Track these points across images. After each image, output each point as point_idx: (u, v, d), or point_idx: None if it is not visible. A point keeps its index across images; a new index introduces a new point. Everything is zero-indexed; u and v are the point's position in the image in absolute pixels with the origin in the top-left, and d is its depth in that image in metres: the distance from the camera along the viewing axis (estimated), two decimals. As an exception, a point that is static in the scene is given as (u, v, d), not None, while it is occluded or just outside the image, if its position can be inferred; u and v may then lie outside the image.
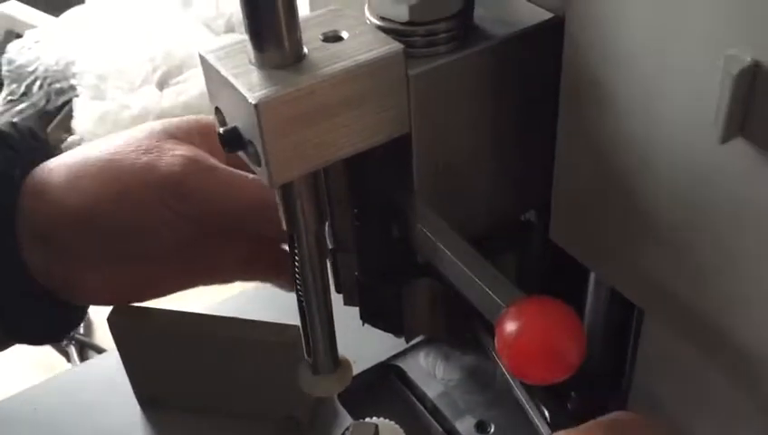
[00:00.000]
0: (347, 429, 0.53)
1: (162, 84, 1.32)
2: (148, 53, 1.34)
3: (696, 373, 0.36)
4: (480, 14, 0.37)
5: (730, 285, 0.31)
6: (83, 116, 1.29)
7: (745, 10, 0.26)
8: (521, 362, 0.32)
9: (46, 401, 0.58)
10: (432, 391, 0.57)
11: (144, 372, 0.55)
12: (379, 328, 0.46)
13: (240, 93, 0.31)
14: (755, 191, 0.28)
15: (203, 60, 0.34)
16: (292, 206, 0.36)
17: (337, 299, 0.44)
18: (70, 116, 1.35)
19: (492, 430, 0.55)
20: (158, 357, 0.53)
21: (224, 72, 0.32)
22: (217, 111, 0.35)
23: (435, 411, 0.56)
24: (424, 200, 0.38)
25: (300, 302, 0.41)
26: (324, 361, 0.43)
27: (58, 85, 1.42)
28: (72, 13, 1.46)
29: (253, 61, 0.32)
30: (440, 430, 0.55)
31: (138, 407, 0.57)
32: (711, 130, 0.27)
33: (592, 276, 0.43)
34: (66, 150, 1.39)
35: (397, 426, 0.54)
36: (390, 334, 0.62)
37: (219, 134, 0.33)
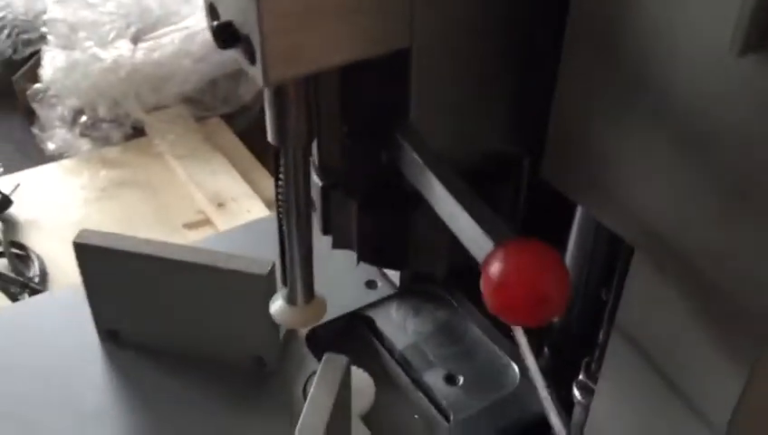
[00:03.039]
0: (313, 373, 0.52)
1: (136, 40, 1.28)
2: (124, 8, 1.31)
3: (681, 316, 0.36)
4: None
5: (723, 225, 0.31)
6: (52, 65, 1.25)
7: None
8: (504, 303, 0.31)
9: (3, 329, 0.55)
10: (401, 343, 0.57)
11: (107, 302, 0.53)
12: (380, 265, 0.45)
13: (240, -19, 0.30)
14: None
15: (201, -51, 0.32)
16: (283, 115, 0.35)
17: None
18: (37, 66, 1.31)
19: (461, 382, 0.54)
20: (123, 286, 0.51)
21: (224, -41, 0.31)
22: (212, 8, 0.33)
23: (404, 362, 0.56)
24: (419, 126, 0.37)
25: (280, 225, 0.40)
26: (300, 290, 0.42)
27: (26, 36, 1.38)
28: (46, -39, 1.41)
29: (255, -47, 0.31)
30: (408, 380, 0.55)
31: (98, 341, 0.55)
32: (726, 49, 0.27)
33: (578, 217, 0.42)
34: (31, 99, 1.34)
35: (365, 374, 0.53)
36: (361, 286, 0.61)
37: (212, 29, 0.32)
